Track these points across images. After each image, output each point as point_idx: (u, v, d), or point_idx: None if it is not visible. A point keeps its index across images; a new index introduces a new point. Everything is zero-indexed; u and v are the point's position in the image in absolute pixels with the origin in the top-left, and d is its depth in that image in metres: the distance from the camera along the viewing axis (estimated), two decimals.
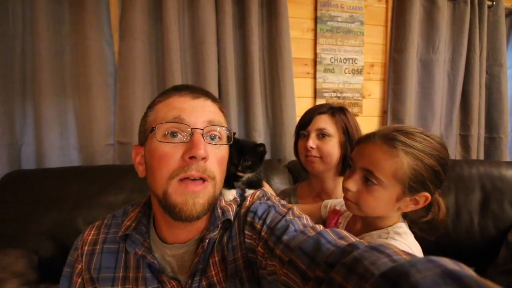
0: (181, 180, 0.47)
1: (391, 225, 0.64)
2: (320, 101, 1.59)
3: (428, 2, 1.64)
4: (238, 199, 0.59)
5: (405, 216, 0.68)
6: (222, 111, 0.55)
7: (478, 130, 1.74)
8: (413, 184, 0.57)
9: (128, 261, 0.54)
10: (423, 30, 1.66)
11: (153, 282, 0.52)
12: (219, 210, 0.55)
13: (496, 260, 1.08)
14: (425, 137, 0.58)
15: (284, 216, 0.50)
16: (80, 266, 0.55)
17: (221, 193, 0.58)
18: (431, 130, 1.66)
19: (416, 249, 0.60)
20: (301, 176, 1.23)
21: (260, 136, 1.44)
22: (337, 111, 0.90)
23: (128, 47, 1.26)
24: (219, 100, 0.57)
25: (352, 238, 0.40)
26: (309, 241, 0.41)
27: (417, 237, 0.66)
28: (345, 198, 0.65)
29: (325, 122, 0.88)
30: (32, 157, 1.24)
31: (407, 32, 1.60)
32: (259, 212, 0.53)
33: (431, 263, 0.25)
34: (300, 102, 1.55)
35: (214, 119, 0.51)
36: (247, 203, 0.57)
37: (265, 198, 0.58)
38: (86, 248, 0.56)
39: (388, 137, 0.58)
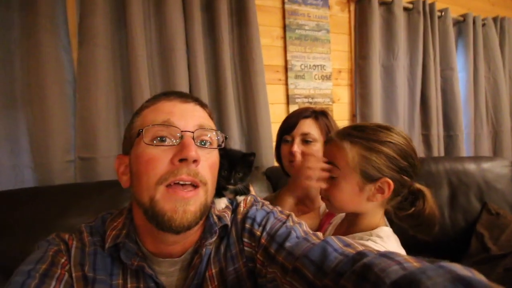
0: (170, 185, 0.43)
1: (374, 228, 0.65)
2: (293, 107, 1.60)
3: (386, 12, 1.77)
4: (230, 206, 0.56)
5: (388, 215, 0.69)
6: (212, 118, 0.53)
7: (437, 129, 1.87)
8: (368, 171, 0.61)
9: (125, 270, 0.47)
10: (383, 38, 1.77)
11: None
12: (214, 217, 0.51)
13: (468, 251, 1.14)
14: (378, 129, 0.64)
15: (284, 222, 0.48)
16: (63, 260, 0.45)
17: (212, 202, 0.54)
18: None
19: None
20: (280, 183, 1.21)
21: (236, 143, 1.41)
22: (320, 115, 0.89)
23: (88, 54, 1.16)
24: (208, 106, 0.55)
25: (359, 246, 0.39)
26: (315, 248, 0.39)
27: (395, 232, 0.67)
28: (321, 197, 0.71)
29: (309, 126, 0.87)
30: None
31: (369, 40, 1.69)
32: (258, 219, 0.50)
33: (442, 269, 0.26)
34: (274, 108, 1.54)
35: (205, 123, 0.49)
36: (242, 209, 0.54)
37: (260, 204, 0.56)
38: (74, 243, 0.48)
39: (341, 133, 0.66)
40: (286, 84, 1.60)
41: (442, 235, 1.21)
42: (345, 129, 0.68)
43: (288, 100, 1.60)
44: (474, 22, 2.01)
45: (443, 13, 1.89)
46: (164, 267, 0.49)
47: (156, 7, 1.30)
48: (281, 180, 1.21)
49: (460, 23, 2.01)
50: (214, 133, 0.50)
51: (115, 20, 1.24)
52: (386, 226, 0.67)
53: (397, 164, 0.62)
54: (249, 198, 0.58)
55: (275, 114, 1.54)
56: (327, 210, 0.84)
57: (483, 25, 2.06)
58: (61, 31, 1.15)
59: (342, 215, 0.76)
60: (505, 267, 1.02)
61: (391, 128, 0.65)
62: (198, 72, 1.32)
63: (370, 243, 0.59)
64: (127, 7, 1.21)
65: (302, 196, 0.94)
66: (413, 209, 0.65)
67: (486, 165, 1.30)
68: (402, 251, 0.63)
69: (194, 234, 0.50)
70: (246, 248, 0.49)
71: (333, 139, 0.67)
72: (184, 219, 0.43)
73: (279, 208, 0.55)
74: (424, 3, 1.81)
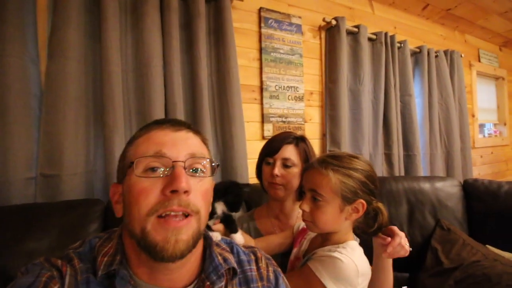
0: (161, 216, 0.43)
1: (343, 242, 0.74)
2: (267, 126, 1.65)
3: (353, 41, 1.92)
4: (225, 246, 0.57)
5: (357, 230, 0.78)
6: (205, 143, 0.54)
7: (398, 149, 2.03)
8: (347, 194, 0.71)
9: None
10: (350, 64, 1.92)
11: None
12: (219, 257, 0.51)
13: (424, 265, 1.24)
14: (350, 158, 0.75)
15: None
16: None
17: (208, 236, 0.55)
18: (362, 150, 1.88)
19: (360, 263, 0.69)
20: (254, 200, 1.24)
21: None
22: (300, 141, 0.97)
23: (58, 67, 1.11)
24: (202, 132, 0.55)
25: None
26: None
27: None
28: (303, 219, 0.76)
29: (290, 152, 0.94)
30: None
31: (338, 66, 1.82)
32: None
33: None
34: (249, 126, 1.58)
35: (197, 151, 0.49)
36: (262, 262, 0.58)
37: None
38: (68, 270, 0.44)
39: (321, 161, 0.75)
40: (261, 103, 1.66)
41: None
42: (324, 158, 0.76)
43: (263, 119, 1.65)
44: (428, 54, 2.25)
45: (402, 45, 2.10)
46: None
47: (133, 23, 1.30)
48: (254, 199, 1.24)
49: (417, 54, 2.24)
50: (207, 160, 0.50)
51: (89, 34, 1.21)
52: (354, 240, 0.77)
53: (367, 187, 0.73)
54: (262, 253, 0.61)
55: (250, 132, 1.59)
56: (300, 228, 0.89)
57: (436, 56, 2.31)
58: (29, 42, 1.10)
59: None
60: (455, 279, 1.12)
61: (358, 156, 0.76)
62: (174, 89, 1.32)
63: (336, 254, 0.68)
64: (102, 21, 1.19)
65: (278, 212, 0.99)
66: (376, 224, 0.75)
67: (438, 184, 1.44)
68: (365, 261, 0.72)
69: (191, 263, 0.50)
70: None
71: (315, 167, 0.75)
72: (176, 249, 0.43)
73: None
74: (386, 35, 2.00)
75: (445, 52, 2.38)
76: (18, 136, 1.07)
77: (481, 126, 3.01)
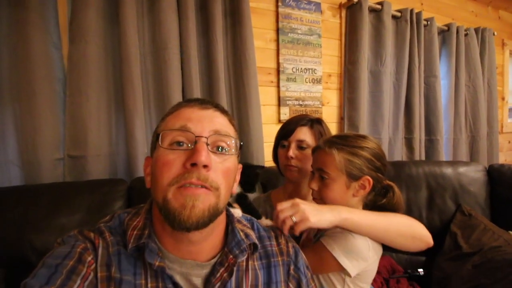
0: (181, 187, 0.45)
1: None
2: (284, 109, 1.64)
3: (375, 20, 1.82)
4: (246, 223, 0.59)
5: (366, 208, 0.80)
6: (232, 124, 0.55)
7: (419, 133, 1.96)
8: (352, 171, 0.73)
9: (146, 269, 0.48)
10: (372, 44, 1.83)
11: None
12: (241, 233, 0.54)
13: (442, 249, 1.23)
14: (357, 137, 0.78)
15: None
16: (90, 258, 0.46)
17: (230, 213, 0.57)
18: (381, 134, 1.84)
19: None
20: (270, 184, 1.25)
21: None
22: (315, 123, 0.97)
23: (79, 51, 1.14)
24: (229, 113, 0.56)
25: None
26: None
27: None
28: (313, 198, 0.80)
29: (305, 134, 0.94)
30: None
31: (359, 46, 1.74)
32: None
33: None
34: (265, 110, 1.57)
35: (221, 129, 0.50)
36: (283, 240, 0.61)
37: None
38: (100, 242, 0.48)
39: (327, 141, 0.78)
40: (278, 86, 1.63)
41: None
42: (330, 138, 0.79)
43: (280, 102, 1.63)
44: (457, 32, 2.10)
45: (429, 22, 1.97)
46: (187, 268, 0.49)
47: (150, 5, 1.29)
48: (271, 182, 1.25)
49: (444, 32, 2.10)
50: (231, 139, 0.51)
51: (108, 17, 1.22)
52: None
53: (373, 164, 0.74)
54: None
55: (266, 115, 1.58)
56: None
57: (466, 34, 2.16)
58: (51, 27, 1.13)
59: None
60: (473, 263, 1.10)
61: (366, 136, 0.78)
62: (191, 71, 1.32)
63: (346, 233, 0.70)
64: (120, 4, 1.20)
65: (294, 194, 1.00)
66: (385, 200, 0.77)
67: (462, 169, 1.39)
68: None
69: (214, 237, 0.52)
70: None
71: (321, 147, 0.77)
72: (192, 214, 0.44)
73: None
74: (411, 12, 1.88)
75: (476, 30, 2.22)
76: (45, 119, 1.12)
77: None
